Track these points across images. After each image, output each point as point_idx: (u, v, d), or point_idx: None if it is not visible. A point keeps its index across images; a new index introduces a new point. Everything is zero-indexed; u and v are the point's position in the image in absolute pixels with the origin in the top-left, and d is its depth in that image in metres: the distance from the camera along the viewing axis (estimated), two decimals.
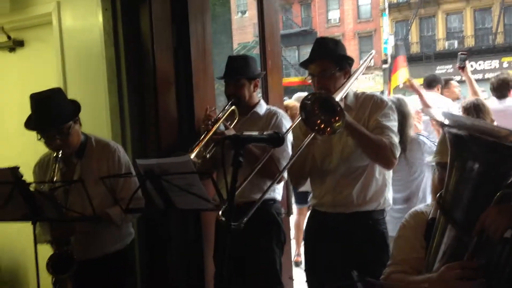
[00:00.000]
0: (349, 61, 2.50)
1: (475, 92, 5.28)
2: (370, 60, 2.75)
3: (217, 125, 2.69)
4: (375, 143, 2.30)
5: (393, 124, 2.42)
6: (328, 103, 2.07)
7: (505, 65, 25.79)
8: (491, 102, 5.07)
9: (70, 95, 3.23)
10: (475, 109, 4.03)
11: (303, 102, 2.11)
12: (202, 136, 2.64)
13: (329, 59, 2.44)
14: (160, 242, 3.07)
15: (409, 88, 5.33)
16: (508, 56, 25.73)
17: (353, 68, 2.57)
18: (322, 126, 2.10)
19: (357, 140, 2.34)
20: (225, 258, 1.66)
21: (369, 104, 2.46)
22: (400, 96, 3.55)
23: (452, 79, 6.63)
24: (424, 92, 5.32)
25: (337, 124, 2.06)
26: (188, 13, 3.23)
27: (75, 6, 3.37)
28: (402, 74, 6.09)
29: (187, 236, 3.22)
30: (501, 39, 26.29)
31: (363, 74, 2.72)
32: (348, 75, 2.50)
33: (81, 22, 3.34)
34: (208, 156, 2.66)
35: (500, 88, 5.13)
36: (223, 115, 2.78)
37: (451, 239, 1.56)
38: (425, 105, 4.64)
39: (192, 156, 2.49)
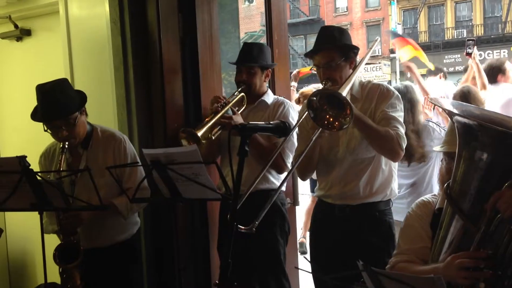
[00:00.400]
0: (354, 50, 2.48)
1: (482, 82, 5.21)
2: (375, 46, 2.71)
3: (226, 109, 2.69)
4: (382, 135, 2.29)
5: (400, 114, 2.40)
6: (335, 98, 2.06)
7: None
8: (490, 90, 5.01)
9: (77, 85, 3.25)
10: (462, 97, 3.96)
11: (310, 100, 2.09)
12: (210, 117, 2.63)
13: (334, 49, 2.42)
14: (166, 232, 3.08)
15: (407, 71, 5.29)
16: None
17: (359, 57, 2.55)
18: (331, 121, 2.09)
19: (363, 132, 2.32)
20: (230, 248, 1.66)
21: (376, 94, 2.44)
22: (407, 82, 3.53)
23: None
24: (426, 78, 5.30)
25: (345, 119, 2.04)
26: (195, 2, 3.21)
27: None
28: (405, 52, 6.09)
29: (193, 225, 3.23)
30: (510, 28, 25.99)
31: (369, 63, 2.70)
32: (353, 64, 2.47)
33: (88, 11, 3.33)
34: (213, 138, 2.65)
35: (492, 72, 5.09)
36: (232, 100, 2.77)
37: (458, 230, 1.56)
38: (424, 91, 4.59)
39: (199, 134, 2.48)
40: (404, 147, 2.36)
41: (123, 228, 2.70)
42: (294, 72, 6.00)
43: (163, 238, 3.13)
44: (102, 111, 3.15)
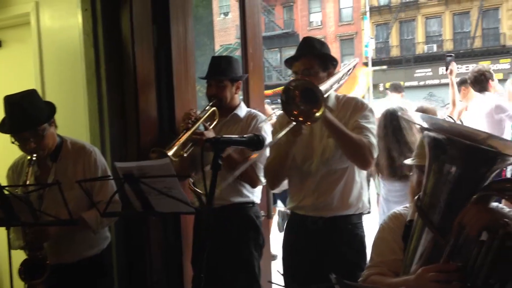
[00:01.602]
0: (333, 62, 2.52)
1: (453, 99, 5.35)
2: (353, 68, 2.77)
3: (197, 125, 2.68)
4: (355, 141, 2.31)
5: (373, 126, 2.44)
6: (312, 92, 2.07)
7: None
8: (475, 99, 5.09)
9: (48, 96, 3.19)
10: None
11: (287, 87, 2.09)
12: (181, 135, 2.62)
13: (314, 57, 2.46)
14: (138, 245, 3.03)
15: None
16: (485, 60, 26.16)
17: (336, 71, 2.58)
18: (299, 113, 2.09)
19: (336, 138, 2.34)
20: (203, 262, 1.65)
21: (350, 106, 2.48)
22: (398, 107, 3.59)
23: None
24: (390, 94, 5.44)
25: (314, 116, 2.05)
26: (170, 14, 3.21)
27: (54, 6, 3.32)
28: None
29: (166, 238, 3.20)
30: (479, 43, 26.77)
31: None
32: (331, 76, 2.51)
33: (60, 22, 3.29)
34: (185, 155, 2.63)
35: (479, 81, 5.05)
36: (203, 116, 2.77)
37: (428, 242, 1.57)
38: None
39: (170, 153, 2.46)
40: (375, 156, 2.39)
41: (92, 243, 2.64)
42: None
43: (135, 252, 3.08)
44: (74, 123, 3.10)
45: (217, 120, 2.86)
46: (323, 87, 2.16)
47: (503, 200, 2.01)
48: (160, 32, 3.22)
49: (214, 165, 1.68)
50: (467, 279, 1.42)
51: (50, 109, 2.53)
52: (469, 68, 27.03)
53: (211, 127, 2.79)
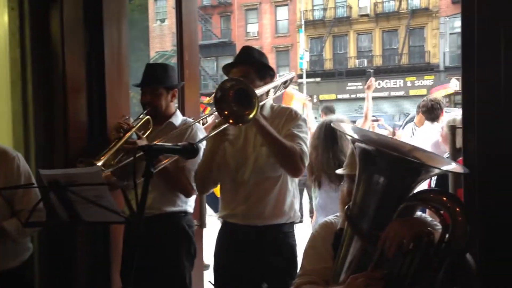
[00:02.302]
0: (270, 72, 2.55)
1: (366, 114, 5.62)
2: (290, 81, 2.81)
3: (129, 134, 2.61)
4: (286, 148, 2.34)
5: (305, 136, 2.48)
6: (245, 93, 2.07)
7: (409, 84, 27.74)
8: (424, 127, 5.18)
9: None
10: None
11: (223, 84, 2.09)
12: (112, 145, 2.54)
13: (251, 65, 2.48)
14: (63, 257, 2.90)
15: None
16: (411, 76, 27.68)
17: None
18: (232, 113, 2.09)
19: (268, 144, 2.36)
20: (132, 272, 1.60)
21: (284, 115, 2.51)
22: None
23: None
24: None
25: (244, 118, 2.06)
26: (103, 17, 3.12)
27: None
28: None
29: (95, 249, 3.08)
30: (406, 60, 28.22)
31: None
32: None
33: None
34: (117, 166, 2.56)
35: (432, 110, 5.12)
36: (136, 124, 2.70)
37: (357, 250, 1.62)
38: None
39: (99, 164, 2.38)
40: (306, 164, 2.44)
41: (12, 254, 2.48)
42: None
43: (60, 264, 2.94)
44: None
45: (151, 128, 2.80)
46: (258, 91, 2.19)
47: (427, 210, 2.12)
48: (93, 35, 3.13)
49: (146, 173, 1.64)
50: (392, 286, 1.47)
51: None
52: (396, 84, 28.48)
53: (144, 136, 2.73)
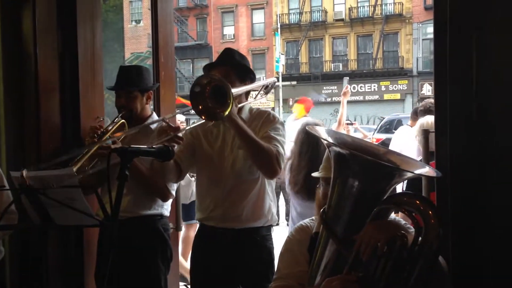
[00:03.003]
0: (251, 75, 2.56)
1: (340, 119, 5.73)
2: (272, 86, 2.82)
3: (104, 139, 2.57)
4: (263, 149, 2.34)
5: (282, 139, 2.49)
6: (222, 90, 2.07)
7: (383, 88, 28.16)
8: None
9: None
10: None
11: (200, 80, 2.09)
12: (86, 150, 2.50)
13: (232, 67, 2.48)
14: (36, 261, 2.83)
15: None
16: (386, 80, 28.10)
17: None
18: (206, 109, 2.09)
19: (245, 144, 2.36)
20: (106, 275, 1.57)
21: (262, 118, 2.52)
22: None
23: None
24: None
25: (218, 115, 2.06)
26: (77, 17, 3.07)
27: None
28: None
29: (67, 252, 3.02)
30: (380, 64, 28.62)
31: (254, 90, 2.78)
32: None
33: None
34: (91, 171, 2.51)
35: (430, 111, 5.35)
36: (111, 128, 2.66)
37: (332, 253, 1.63)
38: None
39: (74, 170, 2.34)
40: (282, 166, 2.44)
41: None
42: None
43: (32, 267, 2.87)
44: None
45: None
46: (234, 90, 2.19)
47: (399, 213, 2.15)
48: (66, 36, 3.07)
49: (121, 176, 1.62)
50: None
51: None
52: (371, 88, 28.85)
53: (119, 139, 2.69)
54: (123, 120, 2.74)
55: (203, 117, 2.12)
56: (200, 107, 2.09)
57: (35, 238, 2.80)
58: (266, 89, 2.74)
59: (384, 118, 16.17)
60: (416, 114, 5.67)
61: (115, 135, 2.62)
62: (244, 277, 2.40)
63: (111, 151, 1.79)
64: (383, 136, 11.34)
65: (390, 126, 11.58)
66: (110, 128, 2.65)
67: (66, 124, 3.07)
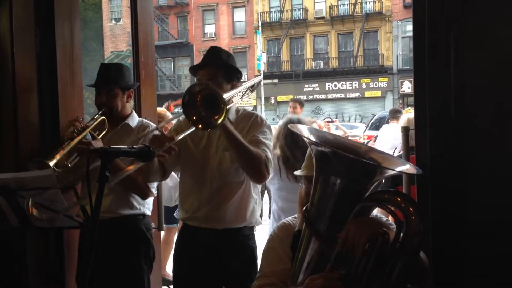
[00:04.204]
0: (238, 74, 2.55)
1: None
2: (257, 85, 2.82)
3: (84, 134, 2.54)
4: (252, 154, 2.33)
5: (269, 143, 2.50)
6: (214, 98, 2.06)
7: (364, 86, 28.39)
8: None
9: None
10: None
11: (192, 88, 2.07)
12: (65, 144, 2.46)
13: (219, 68, 2.47)
14: (14, 264, 2.79)
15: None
16: (366, 78, 28.34)
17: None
18: (201, 118, 2.06)
19: (234, 149, 2.35)
20: (87, 276, 1.56)
21: (249, 121, 2.51)
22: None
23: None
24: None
25: (212, 123, 2.05)
26: (55, 16, 3.03)
27: None
28: None
29: (47, 255, 2.98)
30: (361, 62, 28.85)
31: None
32: (234, 88, 2.53)
33: None
34: (70, 165, 2.48)
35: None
36: (92, 124, 2.64)
37: (315, 251, 1.63)
38: None
39: (52, 163, 2.30)
40: (270, 171, 2.44)
41: None
42: None
43: (10, 270, 2.83)
44: None
45: (106, 129, 2.74)
46: (226, 95, 2.18)
47: (379, 209, 2.17)
48: (44, 35, 3.03)
49: (101, 177, 1.60)
50: (349, 286, 1.49)
51: None
52: (352, 85, 29.12)
53: (99, 136, 2.67)
54: (103, 117, 2.72)
55: (200, 127, 2.08)
56: (194, 117, 2.07)
57: (13, 240, 2.75)
58: (252, 87, 2.74)
59: (375, 115, 16.38)
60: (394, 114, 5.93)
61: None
62: (227, 276, 2.40)
63: (91, 151, 1.76)
64: (375, 133, 11.48)
65: (381, 123, 11.76)
66: (90, 124, 2.62)
67: (45, 124, 3.02)
